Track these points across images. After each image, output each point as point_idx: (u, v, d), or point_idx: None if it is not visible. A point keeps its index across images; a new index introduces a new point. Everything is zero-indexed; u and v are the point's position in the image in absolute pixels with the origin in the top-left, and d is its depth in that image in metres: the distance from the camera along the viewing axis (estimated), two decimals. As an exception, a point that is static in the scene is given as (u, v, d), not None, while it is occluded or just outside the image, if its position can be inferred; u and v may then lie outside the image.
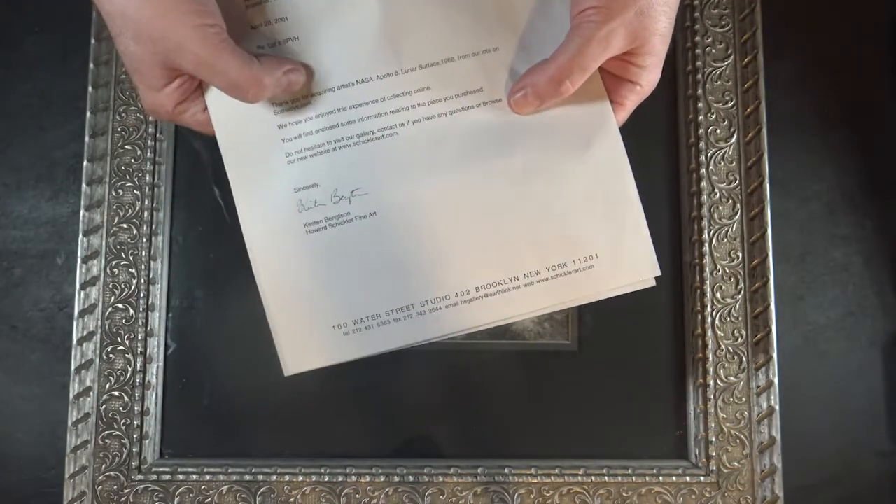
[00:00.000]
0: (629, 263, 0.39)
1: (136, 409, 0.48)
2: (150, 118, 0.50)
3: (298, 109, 0.38)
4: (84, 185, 0.49)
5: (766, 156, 0.50)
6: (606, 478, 0.48)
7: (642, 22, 0.36)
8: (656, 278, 0.39)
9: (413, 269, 0.39)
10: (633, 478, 0.48)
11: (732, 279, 0.49)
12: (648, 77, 0.38)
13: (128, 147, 0.50)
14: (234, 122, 0.38)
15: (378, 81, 0.38)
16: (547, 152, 0.39)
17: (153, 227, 0.50)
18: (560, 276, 0.39)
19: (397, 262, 0.39)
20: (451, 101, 0.39)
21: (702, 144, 0.50)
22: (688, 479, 0.48)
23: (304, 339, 0.38)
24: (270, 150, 0.38)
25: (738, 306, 0.49)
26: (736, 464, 0.48)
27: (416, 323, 0.38)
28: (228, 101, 0.37)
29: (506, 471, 0.48)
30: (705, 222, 0.50)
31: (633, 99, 0.39)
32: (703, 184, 0.50)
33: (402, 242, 0.39)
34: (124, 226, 0.50)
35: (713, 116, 0.51)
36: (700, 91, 0.51)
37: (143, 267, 0.49)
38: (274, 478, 0.48)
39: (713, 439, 0.48)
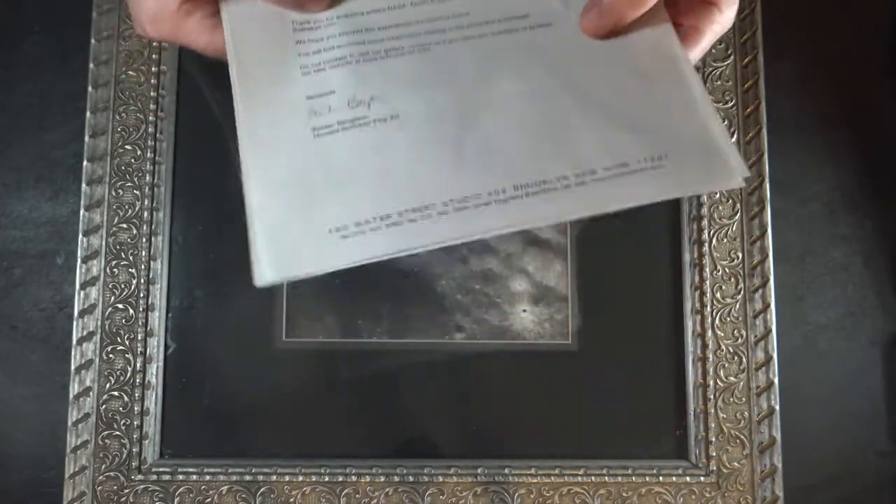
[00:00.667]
0: (710, 165, 0.33)
1: (136, 409, 0.48)
2: (150, 118, 0.50)
3: (321, 28, 0.35)
4: (84, 185, 0.49)
5: (766, 156, 0.50)
6: (606, 478, 0.48)
7: None
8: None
9: (438, 168, 0.33)
10: (633, 478, 0.48)
11: (732, 279, 0.49)
12: (729, 2, 0.34)
13: (128, 147, 0.50)
14: (247, 28, 0.34)
15: (411, 8, 0.35)
16: (605, 66, 0.35)
17: (153, 227, 0.50)
18: (621, 175, 0.33)
19: (420, 164, 0.33)
20: (493, 24, 0.35)
21: (702, 144, 0.50)
22: (688, 479, 0.48)
23: (291, 241, 0.32)
24: (285, 59, 0.34)
25: (738, 306, 0.49)
26: (736, 464, 0.48)
27: (434, 224, 0.32)
28: (243, 4, 0.34)
29: (506, 471, 0.48)
30: (705, 222, 0.50)
31: (711, 31, 0.35)
32: (703, 184, 0.50)
33: (427, 143, 0.33)
34: (124, 226, 0.49)
35: (713, 116, 0.51)
36: (700, 91, 0.51)
37: (143, 267, 0.49)
38: (274, 478, 0.48)
39: (713, 439, 0.48)
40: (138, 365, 0.49)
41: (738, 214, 0.50)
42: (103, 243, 0.49)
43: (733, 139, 0.50)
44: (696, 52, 0.35)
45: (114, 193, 0.50)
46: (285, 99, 0.34)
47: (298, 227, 0.32)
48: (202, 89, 0.52)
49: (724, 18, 0.35)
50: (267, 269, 0.30)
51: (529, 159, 0.33)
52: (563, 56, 0.35)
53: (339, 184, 0.33)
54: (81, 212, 0.49)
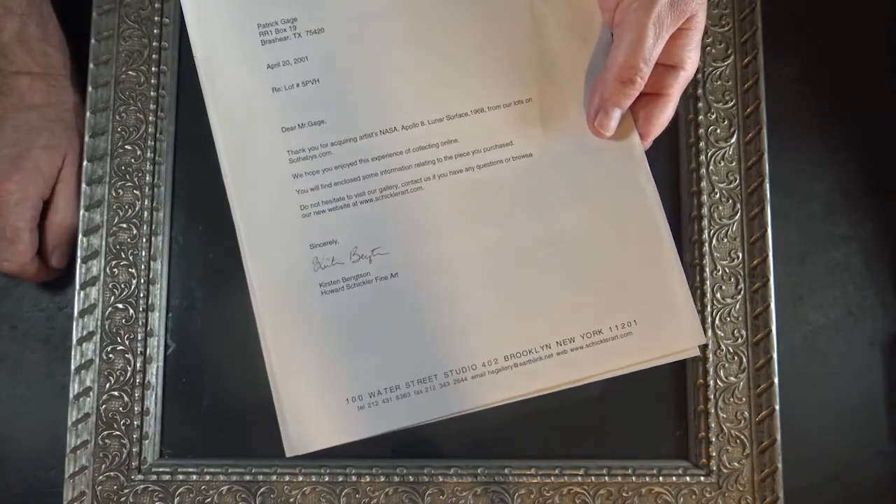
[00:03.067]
0: (671, 330, 0.37)
1: (136, 409, 0.48)
2: (150, 118, 0.50)
3: (316, 159, 0.36)
4: (84, 185, 0.49)
5: (766, 156, 0.50)
6: (606, 478, 0.48)
7: None
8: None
9: (436, 336, 0.35)
10: (634, 478, 0.48)
11: (732, 279, 0.49)
12: (693, 57, 0.36)
13: (128, 147, 0.50)
14: (245, 170, 0.36)
15: (403, 132, 0.36)
16: (580, 214, 0.37)
17: (153, 227, 0.50)
18: (596, 345, 0.36)
19: (419, 328, 0.35)
20: (480, 154, 0.36)
21: (702, 144, 0.50)
22: (688, 479, 0.48)
23: (314, 414, 0.35)
24: (284, 202, 0.35)
25: (738, 306, 0.49)
26: (736, 464, 0.48)
27: (439, 396, 0.35)
28: (239, 146, 0.35)
29: (506, 471, 0.48)
30: (705, 222, 0.50)
31: (678, 86, 0.36)
32: (703, 184, 0.50)
33: (425, 307, 0.35)
34: (124, 226, 0.49)
35: (713, 116, 0.51)
36: (700, 91, 0.51)
37: (143, 267, 0.49)
38: (274, 478, 0.48)
39: (713, 439, 0.48)
40: (138, 365, 0.49)
41: (738, 214, 0.50)
42: (103, 243, 0.49)
43: (733, 139, 0.50)
44: (669, 113, 0.37)
45: (114, 193, 0.50)
46: (289, 244, 0.35)
47: (319, 399, 0.35)
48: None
49: (689, 73, 0.36)
50: (296, 444, 0.34)
51: (516, 328, 0.36)
52: (544, 197, 0.37)
53: (351, 350, 0.35)
54: (81, 212, 0.49)
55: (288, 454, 0.35)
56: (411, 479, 0.48)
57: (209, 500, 0.48)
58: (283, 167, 0.36)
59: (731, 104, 0.51)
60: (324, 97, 0.36)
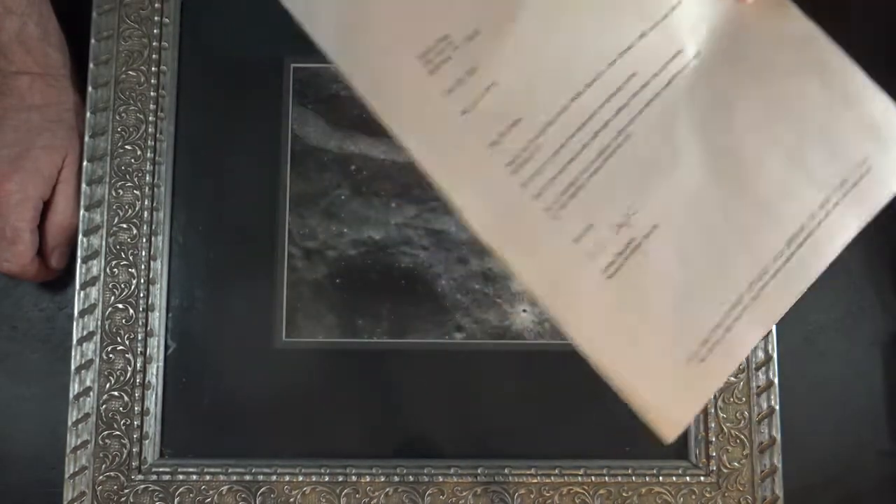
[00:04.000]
0: None
1: (136, 409, 0.48)
2: (150, 118, 0.50)
3: (533, 158, 0.35)
4: (84, 185, 0.49)
5: (766, 156, 0.50)
6: (606, 478, 0.48)
7: None
8: None
9: (725, 257, 0.35)
10: (633, 478, 0.48)
11: (732, 279, 0.49)
12: None
13: (128, 147, 0.50)
14: (479, 203, 0.34)
15: (588, 91, 0.36)
16: (769, 79, 0.38)
17: (153, 227, 0.50)
18: (848, 193, 0.37)
19: (708, 261, 0.35)
20: (658, 77, 0.37)
21: (702, 144, 0.50)
22: (688, 479, 0.48)
23: (671, 392, 0.35)
24: (528, 214, 0.35)
25: (738, 306, 0.49)
26: (736, 464, 0.48)
27: (757, 310, 0.35)
28: (461, 183, 0.34)
29: (506, 471, 0.48)
30: (705, 222, 0.50)
31: None
32: (704, 184, 0.50)
33: (698, 240, 0.35)
34: (124, 226, 0.50)
35: (713, 116, 0.51)
36: (700, 91, 0.51)
37: (143, 267, 0.49)
38: (274, 478, 0.48)
39: (713, 439, 0.48)
40: (138, 365, 0.49)
41: (738, 214, 0.50)
42: (103, 243, 0.49)
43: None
44: None
45: (114, 193, 0.50)
46: (557, 251, 0.35)
47: (670, 375, 0.35)
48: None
49: None
50: (668, 429, 0.35)
51: (776, 215, 0.36)
52: (731, 79, 0.37)
53: (661, 315, 0.35)
54: (81, 212, 0.49)
55: (667, 442, 0.35)
56: (411, 479, 0.48)
57: (209, 500, 0.48)
58: (509, 181, 0.35)
59: (731, 104, 0.51)
60: (508, 96, 0.35)
